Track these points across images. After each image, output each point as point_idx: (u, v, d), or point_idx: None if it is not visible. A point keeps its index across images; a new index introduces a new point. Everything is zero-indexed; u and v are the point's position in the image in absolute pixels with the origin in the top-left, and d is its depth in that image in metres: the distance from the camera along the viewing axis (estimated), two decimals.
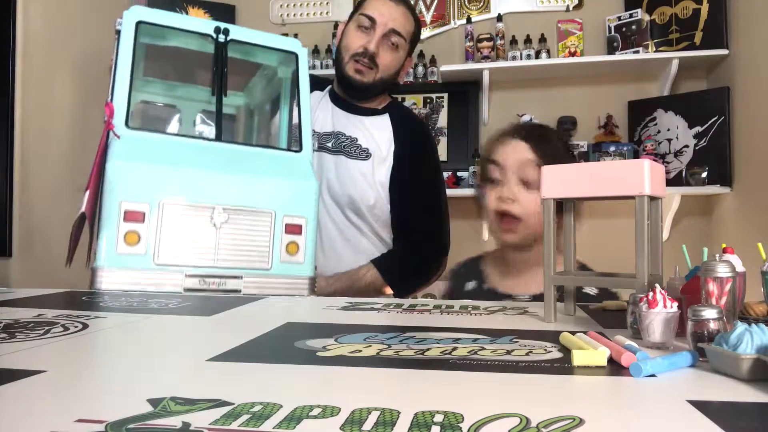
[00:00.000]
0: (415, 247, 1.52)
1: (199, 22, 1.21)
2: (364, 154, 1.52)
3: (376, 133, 1.55)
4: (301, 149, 1.22)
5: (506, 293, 1.21)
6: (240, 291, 1.09)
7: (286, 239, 1.11)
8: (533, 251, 1.21)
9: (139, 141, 1.08)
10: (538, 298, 1.17)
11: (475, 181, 1.28)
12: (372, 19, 1.49)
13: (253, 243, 1.09)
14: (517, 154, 1.19)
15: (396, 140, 1.55)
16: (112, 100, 1.09)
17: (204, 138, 1.20)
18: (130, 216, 1.01)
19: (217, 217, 1.06)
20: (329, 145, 1.53)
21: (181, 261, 1.05)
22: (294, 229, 1.12)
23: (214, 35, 1.18)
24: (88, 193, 1.02)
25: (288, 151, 1.24)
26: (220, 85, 1.18)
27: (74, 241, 1.10)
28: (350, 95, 1.58)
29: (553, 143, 1.22)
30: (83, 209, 1.01)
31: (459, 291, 1.26)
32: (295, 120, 1.26)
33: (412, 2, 1.76)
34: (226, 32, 1.19)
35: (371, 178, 1.50)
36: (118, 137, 1.06)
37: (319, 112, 1.57)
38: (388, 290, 1.48)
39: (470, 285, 1.27)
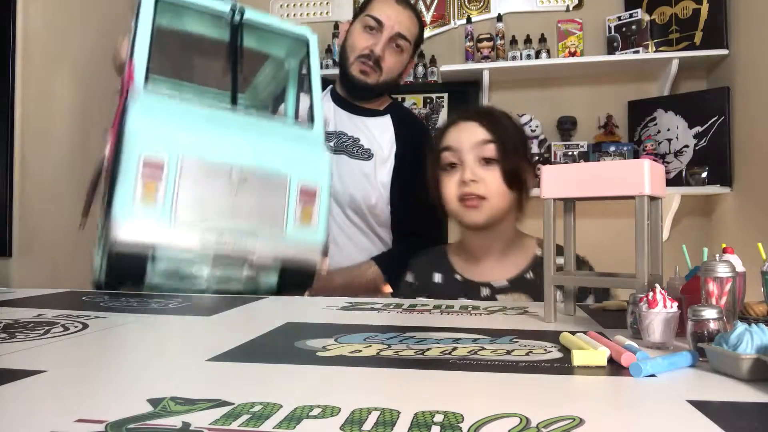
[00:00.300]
0: (416, 248, 1.53)
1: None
2: (366, 155, 1.53)
3: (378, 134, 1.55)
4: (313, 123, 1.21)
5: (483, 281, 1.21)
6: (254, 254, 1.08)
7: (301, 205, 1.12)
8: (494, 234, 1.21)
9: (159, 100, 1.08)
10: (515, 282, 1.17)
11: (429, 176, 1.26)
12: (379, 22, 1.50)
13: (268, 206, 1.09)
14: (470, 134, 1.18)
15: (397, 141, 1.55)
16: (131, 59, 1.09)
17: (221, 102, 1.20)
18: (149, 169, 1.01)
19: (234, 176, 1.06)
20: (331, 144, 1.53)
21: (197, 217, 1.04)
22: (308, 195, 1.12)
23: (230, 13, 1.18)
24: (110, 143, 1.03)
25: (300, 128, 1.24)
26: (235, 56, 1.18)
27: (91, 192, 1.11)
28: (352, 95, 1.58)
29: (502, 122, 1.22)
30: (106, 155, 1.02)
31: (426, 284, 1.26)
32: (306, 103, 1.26)
33: (413, 2, 1.76)
34: (242, 11, 1.19)
35: (373, 178, 1.51)
36: (140, 90, 1.05)
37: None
38: (387, 288, 1.48)
39: (437, 276, 1.26)
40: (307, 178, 1.13)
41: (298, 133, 1.21)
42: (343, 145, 1.54)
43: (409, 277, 1.30)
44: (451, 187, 1.19)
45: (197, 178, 1.04)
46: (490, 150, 1.16)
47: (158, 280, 1.06)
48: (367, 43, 1.51)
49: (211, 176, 1.05)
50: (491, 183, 1.16)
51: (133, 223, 1.00)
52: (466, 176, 1.16)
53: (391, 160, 1.53)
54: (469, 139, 1.17)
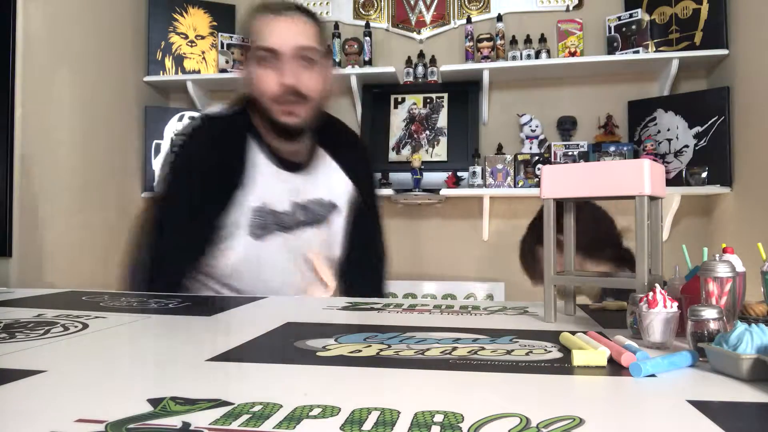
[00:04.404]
0: (374, 275, 1.45)
1: None
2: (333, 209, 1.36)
3: (333, 178, 1.35)
4: None
5: None
6: None
7: None
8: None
9: None
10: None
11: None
12: (274, 51, 1.17)
13: None
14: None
15: (348, 175, 1.37)
16: None
17: None
18: None
19: None
20: (303, 218, 1.30)
21: None
22: None
23: None
24: None
25: None
26: None
27: None
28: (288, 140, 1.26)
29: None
30: None
31: None
32: None
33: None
34: None
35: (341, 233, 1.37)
36: None
37: (264, 179, 1.24)
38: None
39: None
40: None
41: None
42: (315, 215, 1.32)
43: None
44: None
45: None
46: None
47: None
48: (273, 80, 1.17)
49: None
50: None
51: None
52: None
53: (346, 201, 1.36)
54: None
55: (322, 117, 1.29)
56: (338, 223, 1.36)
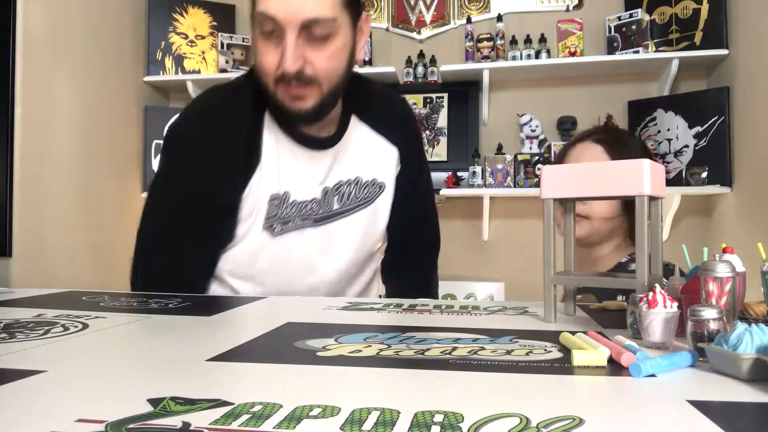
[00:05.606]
0: (427, 262, 1.31)
1: None
2: (378, 189, 1.13)
3: (374, 151, 1.13)
4: None
5: None
6: None
7: None
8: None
9: None
10: None
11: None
12: (273, 20, 0.94)
13: None
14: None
15: (395, 145, 1.14)
16: None
17: None
18: None
19: None
20: (338, 206, 1.09)
21: None
22: None
23: None
24: None
25: None
26: None
27: None
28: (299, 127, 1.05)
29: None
30: None
31: None
32: None
33: None
34: None
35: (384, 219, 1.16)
36: None
37: (284, 161, 1.04)
38: None
39: None
40: None
41: None
42: (353, 200, 1.10)
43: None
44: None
45: None
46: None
47: None
48: (275, 58, 0.95)
49: None
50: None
51: None
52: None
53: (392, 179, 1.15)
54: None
55: (353, 81, 1.05)
56: (384, 206, 1.13)
